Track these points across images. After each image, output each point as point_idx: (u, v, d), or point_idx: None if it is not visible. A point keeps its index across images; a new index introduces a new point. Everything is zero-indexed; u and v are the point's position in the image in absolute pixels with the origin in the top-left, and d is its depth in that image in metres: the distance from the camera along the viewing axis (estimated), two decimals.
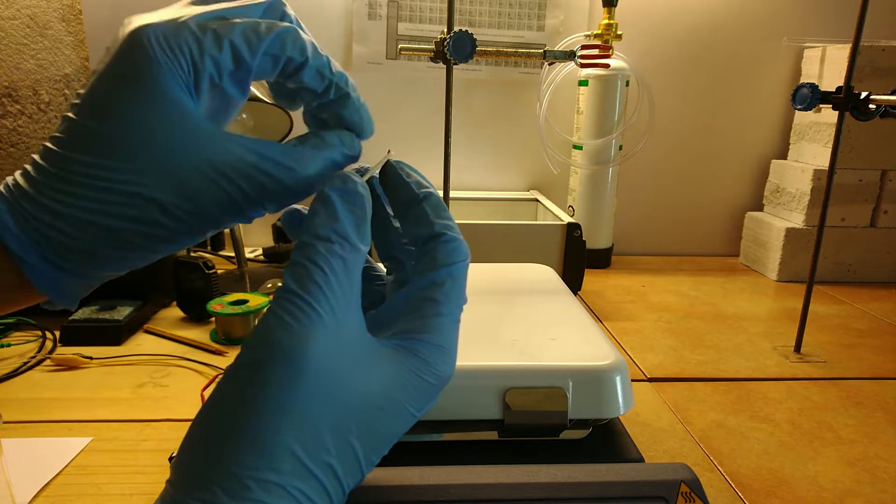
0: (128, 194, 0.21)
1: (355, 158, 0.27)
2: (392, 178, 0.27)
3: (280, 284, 0.21)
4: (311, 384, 0.20)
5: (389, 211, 0.29)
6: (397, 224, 0.29)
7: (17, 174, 0.22)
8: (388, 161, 0.28)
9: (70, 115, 0.22)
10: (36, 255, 0.21)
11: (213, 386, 0.66)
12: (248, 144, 0.23)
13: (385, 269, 0.31)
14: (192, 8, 0.23)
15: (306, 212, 0.24)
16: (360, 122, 0.27)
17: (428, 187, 0.27)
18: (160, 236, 0.22)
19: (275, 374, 0.19)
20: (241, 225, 1.05)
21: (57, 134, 0.22)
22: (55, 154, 0.22)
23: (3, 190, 0.22)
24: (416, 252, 0.26)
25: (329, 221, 0.22)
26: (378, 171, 0.28)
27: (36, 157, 0.22)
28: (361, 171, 0.27)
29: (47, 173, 0.21)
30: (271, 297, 0.29)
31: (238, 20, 0.23)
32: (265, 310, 0.21)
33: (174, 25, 0.22)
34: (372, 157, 0.28)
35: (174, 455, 0.52)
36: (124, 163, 0.21)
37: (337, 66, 0.26)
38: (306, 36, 0.25)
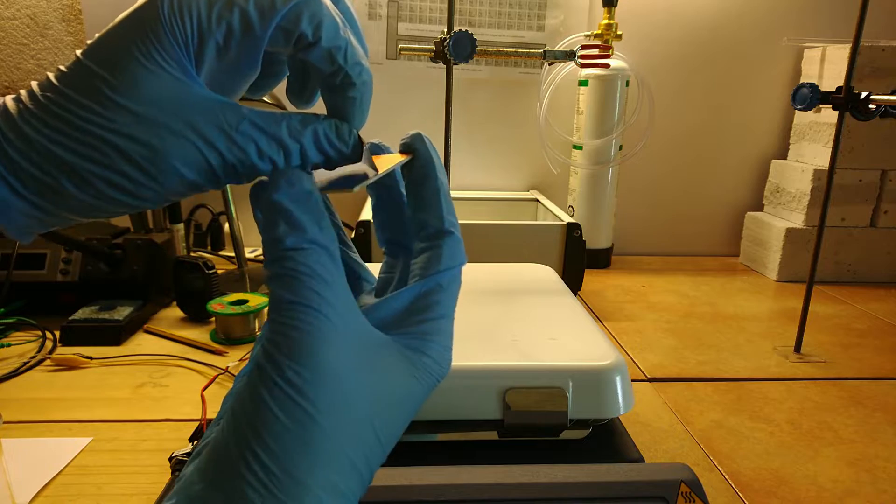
0: (97, 137, 0.21)
1: (337, 157, 0.24)
2: (422, 155, 0.26)
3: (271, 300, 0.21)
4: (353, 389, 0.21)
5: (402, 190, 0.28)
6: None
7: (9, 97, 0.23)
8: (421, 136, 0.26)
9: (78, 52, 0.23)
10: None
11: (212, 386, 0.66)
12: (246, 113, 0.23)
13: (370, 263, 0.30)
14: None
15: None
16: (346, 110, 0.24)
17: (443, 177, 0.26)
18: (123, 188, 0.22)
19: (321, 389, 0.21)
20: (240, 224, 1.05)
21: (61, 67, 0.22)
22: (49, 84, 0.22)
23: None
24: (419, 241, 0.26)
25: (292, 230, 0.22)
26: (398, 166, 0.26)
27: (34, 84, 0.23)
28: (381, 149, 0.26)
29: (35, 100, 0.22)
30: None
31: None
32: (268, 328, 0.21)
33: None
34: None
35: (175, 455, 0.52)
36: (101, 106, 0.21)
37: (359, 54, 0.24)
38: (332, 13, 0.23)
